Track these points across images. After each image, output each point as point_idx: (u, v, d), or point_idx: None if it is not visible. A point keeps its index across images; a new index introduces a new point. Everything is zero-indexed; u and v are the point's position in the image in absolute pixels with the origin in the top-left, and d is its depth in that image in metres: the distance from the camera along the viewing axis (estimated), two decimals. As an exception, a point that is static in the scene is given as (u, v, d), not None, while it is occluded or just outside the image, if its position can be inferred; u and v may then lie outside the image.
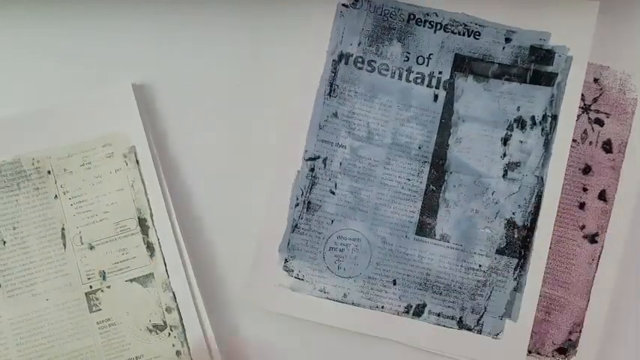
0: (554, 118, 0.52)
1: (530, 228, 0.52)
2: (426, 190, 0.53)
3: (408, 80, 0.53)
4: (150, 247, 0.52)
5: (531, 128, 0.53)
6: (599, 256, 0.53)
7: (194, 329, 0.52)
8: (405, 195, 0.53)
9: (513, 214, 0.53)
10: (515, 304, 0.52)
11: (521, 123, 0.53)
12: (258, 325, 0.53)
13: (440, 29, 0.53)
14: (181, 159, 0.53)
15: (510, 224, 0.53)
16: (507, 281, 0.53)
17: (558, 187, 0.52)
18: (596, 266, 0.53)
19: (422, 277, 0.53)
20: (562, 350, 0.54)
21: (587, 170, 0.53)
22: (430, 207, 0.53)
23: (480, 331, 0.53)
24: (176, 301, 0.51)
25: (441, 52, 0.53)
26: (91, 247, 0.52)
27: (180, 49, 0.54)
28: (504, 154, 0.53)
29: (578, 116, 0.53)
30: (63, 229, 0.51)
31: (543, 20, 0.52)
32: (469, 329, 0.53)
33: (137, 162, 0.52)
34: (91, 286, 0.51)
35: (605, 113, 0.53)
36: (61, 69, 0.53)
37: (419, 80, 0.53)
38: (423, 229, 0.53)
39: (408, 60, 0.53)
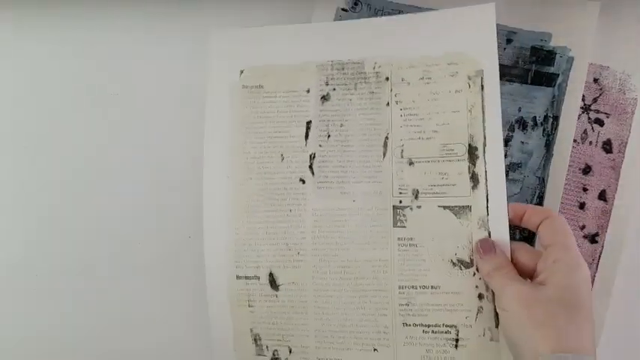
0: (555, 118, 0.52)
1: (532, 228, 0.52)
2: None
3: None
4: (474, 177, 0.48)
5: (532, 129, 0.53)
6: (599, 256, 0.53)
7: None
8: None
9: (515, 214, 0.52)
10: (517, 305, 0.52)
11: (522, 124, 0.53)
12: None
13: (443, 29, 0.53)
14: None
15: (511, 225, 0.52)
16: (509, 282, 0.52)
17: (559, 188, 0.52)
18: (596, 266, 0.53)
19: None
20: (562, 350, 0.54)
21: (587, 170, 0.53)
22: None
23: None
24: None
25: (444, 52, 0.53)
26: (410, 163, 0.49)
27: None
28: (505, 155, 0.53)
29: (578, 116, 0.53)
30: (387, 138, 0.50)
31: (544, 21, 0.52)
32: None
33: (482, 87, 0.48)
34: (400, 201, 0.49)
35: (605, 113, 0.53)
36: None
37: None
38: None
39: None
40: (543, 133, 0.53)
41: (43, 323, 0.56)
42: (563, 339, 0.41)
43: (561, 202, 0.53)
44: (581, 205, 0.54)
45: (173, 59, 0.54)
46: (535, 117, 0.53)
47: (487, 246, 0.46)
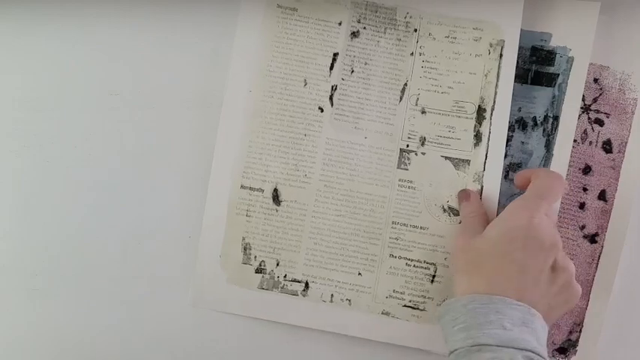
0: (556, 118, 0.52)
1: (532, 228, 0.52)
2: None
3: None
4: (478, 136, 0.52)
5: (532, 129, 0.53)
6: (599, 256, 0.53)
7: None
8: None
9: (515, 214, 0.53)
10: (516, 305, 0.52)
11: (522, 124, 0.53)
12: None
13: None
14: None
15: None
16: (509, 282, 0.52)
17: (559, 188, 0.52)
18: (596, 266, 0.53)
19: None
20: (562, 350, 0.54)
21: (587, 170, 0.53)
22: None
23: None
24: (481, 196, 0.52)
25: (445, 51, 0.53)
26: (423, 112, 0.53)
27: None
28: (505, 155, 0.53)
29: (579, 116, 0.53)
30: (405, 84, 0.53)
31: (544, 21, 0.52)
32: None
33: (500, 56, 0.52)
34: (407, 145, 0.53)
35: (605, 113, 0.53)
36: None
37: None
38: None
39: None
40: (543, 133, 0.53)
41: (42, 324, 0.56)
42: (485, 285, 0.44)
43: (561, 202, 0.53)
44: (581, 205, 0.54)
45: (189, 59, 0.54)
46: (535, 117, 0.53)
47: (465, 194, 0.51)
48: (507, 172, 0.53)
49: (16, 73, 0.55)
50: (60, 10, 0.55)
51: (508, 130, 0.52)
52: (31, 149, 0.55)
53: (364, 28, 0.53)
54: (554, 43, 0.52)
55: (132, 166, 0.55)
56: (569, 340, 0.54)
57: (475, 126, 0.52)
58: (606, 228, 0.53)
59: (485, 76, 0.52)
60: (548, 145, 0.53)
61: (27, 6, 0.55)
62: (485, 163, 0.52)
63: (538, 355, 0.41)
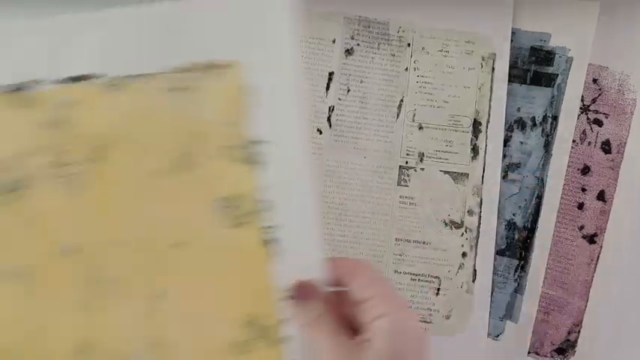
0: (555, 119, 0.52)
1: (531, 229, 0.52)
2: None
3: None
4: (475, 149, 0.53)
5: (531, 129, 0.53)
6: (598, 257, 0.53)
7: (486, 239, 0.53)
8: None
9: (514, 215, 0.53)
10: (515, 306, 0.52)
11: (521, 124, 0.53)
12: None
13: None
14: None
15: (511, 225, 0.53)
16: (508, 282, 0.53)
17: (558, 188, 0.52)
18: (595, 266, 0.53)
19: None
20: (561, 350, 0.54)
21: (585, 170, 0.53)
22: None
23: (482, 332, 0.53)
24: (480, 208, 0.52)
25: (443, 52, 0.53)
26: (420, 128, 0.53)
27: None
28: (504, 155, 0.53)
29: (577, 116, 0.53)
30: (402, 100, 0.53)
31: (544, 21, 0.52)
32: (471, 330, 0.53)
33: (493, 69, 0.52)
34: (406, 162, 0.53)
35: (604, 114, 0.53)
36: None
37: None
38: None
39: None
40: (542, 133, 0.53)
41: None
42: None
43: (560, 203, 0.53)
44: (580, 206, 0.54)
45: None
46: (534, 117, 0.53)
47: (306, 290, 0.36)
48: (506, 172, 0.53)
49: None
50: (61, 10, 0.55)
51: (507, 130, 0.53)
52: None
53: (358, 44, 0.53)
54: (553, 43, 0.52)
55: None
56: (568, 340, 0.54)
57: (472, 139, 0.53)
58: (605, 228, 0.53)
59: (479, 89, 0.52)
60: (547, 146, 0.53)
61: (27, 6, 0.55)
62: (483, 175, 0.52)
63: None
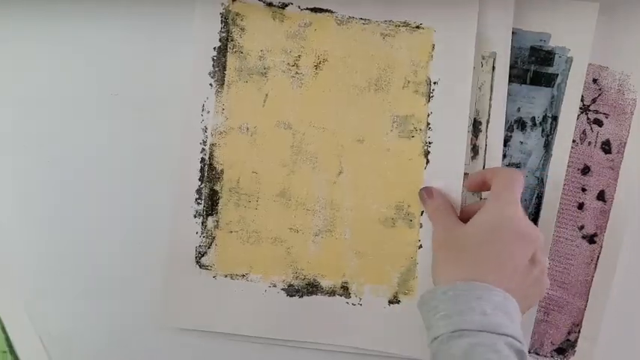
0: (554, 119, 0.52)
1: (531, 229, 0.52)
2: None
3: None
4: (475, 149, 0.52)
5: (531, 129, 0.53)
6: (598, 257, 0.53)
7: None
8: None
9: (514, 215, 0.53)
10: (515, 306, 0.52)
11: (521, 124, 0.53)
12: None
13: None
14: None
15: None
16: (508, 282, 0.53)
17: (559, 188, 0.52)
18: (595, 266, 0.53)
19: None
20: (561, 350, 0.54)
21: (585, 170, 0.53)
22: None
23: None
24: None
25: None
26: None
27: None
28: (504, 155, 0.53)
29: (577, 116, 0.53)
30: None
31: (543, 21, 0.52)
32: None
33: (493, 68, 0.52)
34: None
35: (604, 114, 0.53)
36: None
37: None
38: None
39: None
40: (542, 133, 0.53)
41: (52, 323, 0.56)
42: (466, 273, 0.44)
43: (560, 203, 0.53)
44: (580, 206, 0.54)
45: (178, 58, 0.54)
46: (534, 117, 0.53)
47: (427, 192, 0.51)
48: (506, 172, 0.53)
49: (15, 74, 0.55)
50: (60, 10, 0.55)
51: (507, 130, 0.53)
52: (31, 149, 0.55)
53: None
54: (553, 43, 0.52)
55: (133, 167, 0.55)
56: (568, 340, 0.54)
57: (472, 139, 0.52)
58: (605, 228, 0.53)
59: (480, 88, 0.52)
60: (547, 146, 0.53)
61: (27, 6, 0.55)
62: None
63: (517, 340, 0.41)
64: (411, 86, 0.52)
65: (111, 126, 0.55)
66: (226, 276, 0.53)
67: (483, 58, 0.52)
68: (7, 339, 0.54)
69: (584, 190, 0.54)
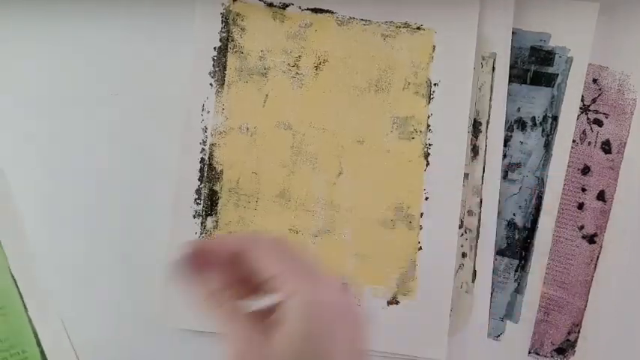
0: (555, 119, 0.52)
1: (531, 229, 0.52)
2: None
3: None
4: (475, 149, 0.52)
5: (531, 129, 0.53)
6: (598, 257, 0.53)
7: (486, 239, 0.52)
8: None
9: (514, 215, 0.53)
10: (515, 306, 0.52)
11: (521, 124, 0.53)
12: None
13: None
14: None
15: (511, 225, 0.53)
16: (508, 283, 0.53)
17: (559, 188, 0.52)
18: (595, 267, 0.53)
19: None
20: (561, 350, 0.54)
21: (585, 171, 0.53)
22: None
23: (481, 332, 0.53)
24: (480, 208, 0.52)
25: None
26: None
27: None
28: (504, 155, 0.53)
29: (577, 116, 0.53)
30: None
31: (543, 21, 0.52)
32: (470, 330, 0.53)
33: (493, 69, 0.52)
34: None
35: (604, 114, 0.53)
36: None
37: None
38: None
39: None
40: (542, 133, 0.53)
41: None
42: None
43: (560, 203, 0.53)
44: (580, 206, 0.54)
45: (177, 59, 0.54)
46: (534, 117, 0.53)
47: (202, 257, 0.34)
48: (506, 172, 0.53)
49: (15, 74, 0.55)
50: (60, 10, 0.55)
51: (507, 130, 0.53)
52: (30, 149, 0.55)
53: None
54: (553, 43, 0.52)
55: (133, 167, 0.55)
56: (568, 340, 0.54)
57: (472, 139, 0.52)
58: (605, 228, 0.53)
59: (480, 89, 0.52)
60: (547, 146, 0.53)
61: (27, 6, 0.55)
62: (483, 176, 0.52)
63: None
64: (412, 87, 0.52)
65: (111, 126, 0.55)
66: None
67: (483, 59, 0.52)
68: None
69: (584, 190, 0.54)
